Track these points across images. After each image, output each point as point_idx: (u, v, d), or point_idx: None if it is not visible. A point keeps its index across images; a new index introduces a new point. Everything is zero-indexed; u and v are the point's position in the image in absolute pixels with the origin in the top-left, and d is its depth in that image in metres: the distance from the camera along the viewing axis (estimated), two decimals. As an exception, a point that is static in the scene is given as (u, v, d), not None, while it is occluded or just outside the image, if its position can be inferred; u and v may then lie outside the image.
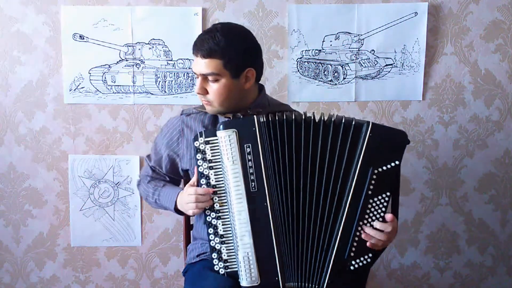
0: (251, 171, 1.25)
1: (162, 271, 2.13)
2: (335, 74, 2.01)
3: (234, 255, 1.28)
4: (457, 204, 2.11)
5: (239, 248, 1.26)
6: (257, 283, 1.26)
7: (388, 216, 1.27)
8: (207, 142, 1.28)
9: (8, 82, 2.01)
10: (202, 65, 1.31)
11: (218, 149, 1.27)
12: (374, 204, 1.26)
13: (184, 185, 1.46)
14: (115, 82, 2.01)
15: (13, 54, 1.99)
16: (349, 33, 1.99)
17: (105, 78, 2.00)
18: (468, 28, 2.01)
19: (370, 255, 1.27)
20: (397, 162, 1.25)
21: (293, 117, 1.28)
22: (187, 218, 1.72)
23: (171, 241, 2.11)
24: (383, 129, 1.27)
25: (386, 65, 2.01)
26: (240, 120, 1.33)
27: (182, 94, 2.01)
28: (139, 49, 1.99)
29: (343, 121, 1.26)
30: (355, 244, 1.26)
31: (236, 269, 1.28)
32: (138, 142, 2.04)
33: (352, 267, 1.27)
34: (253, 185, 1.26)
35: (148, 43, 1.99)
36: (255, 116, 1.27)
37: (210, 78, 1.32)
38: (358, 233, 1.26)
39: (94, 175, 2.06)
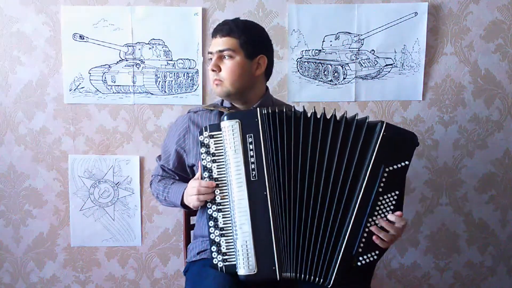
0: (252, 160, 1.28)
1: (162, 271, 2.13)
2: (335, 74, 2.02)
3: (233, 248, 1.29)
4: (457, 204, 2.11)
5: (238, 236, 1.28)
6: (254, 271, 1.27)
7: (398, 212, 1.29)
8: (211, 136, 1.31)
9: (8, 82, 2.01)
10: (220, 43, 1.42)
11: (222, 143, 1.30)
12: (383, 202, 1.28)
13: None
14: (115, 82, 2.01)
15: (13, 54, 1.99)
16: (349, 33, 1.99)
17: (105, 78, 2.00)
18: (468, 28, 2.01)
19: (377, 252, 1.29)
20: (406, 162, 1.29)
21: (299, 112, 1.31)
22: (187, 217, 1.73)
23: (171, 241, 2.11)
24: (396, 129, 1.30)
25: (386, 65, 2.01)
26: (244, 111, 1.40)
27: (182, 94, 2.01)
28: (139, 49, 1.99)
29: (356, 118, 1.30)
30: (363, 240, 1.28)
31: (234, 262, 1.29)
32: (138, 142, 2.04)
33: (359, 263, 1.28)
34: (253, 174, 1.28)
35: (148, 43, 1.99)
36: (258, 108, 1.31)
37: (225, 54, 1.41)
38: (367, 229, 1.28)
39: (94, 175, 2.06)
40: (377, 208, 1.28)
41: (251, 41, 1.42)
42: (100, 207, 2.08)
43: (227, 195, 1.30)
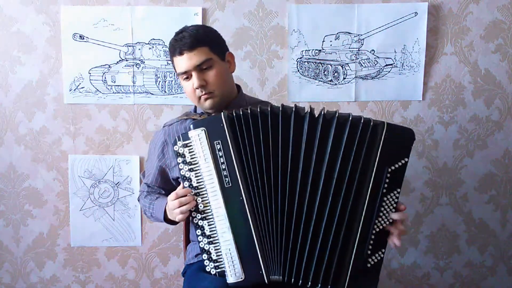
0: (223, 167, 1.26)
1: (162, 271, 2.13)
2: (335, 74, 2.01)
3: (222, 255, 1.28)
4: (457, 204, 2.11)
5: (221, 245, 1.26)
6: (241, 278, 1.26)
7: (402, 207, 1.30)
8: (185, 145, 1.28)
9: (8, 82, 2.01)
10: (193, 57, 1.35)
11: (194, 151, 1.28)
12: (387, 201, 1.28)
13: None
14: (115, 82, 2.01)
15: (13, 54, 1.99)
16: (349, 33, 1.99)
17: (105, 78, 2.00)
18: (468, 28, 2.01)
19: (383, 250, 1.30)
20: (406, 160, 1.28)
21: (274, 109, 1.27)
22: (187, 218, 1.72)
23: (171, 241, 2.11)
24: (394, 128, 1.29)
25: (386, 65, 2.01)
26: (209, 118, 1.34)
27: (182, 94, 2.01)
28: (139, 49, 1.99)
29: (351, 118, 1.27)
30: (371, 241, 1.28)
31: (224, 268, 1.28)
32: (138, 142, 2.04)
33: (368, 265, 1.28)
34: (227, 181, 1.26)
35: (148, 43, 1.99)
36: (223, 112, 1.27)
37: (204, 66, 1.36)
38: (374, 231, 1.28)
39: (94, 175, 2.06)
40: (382, 208, 1.28)
41: (216, 42, 1.40)
42: (100, 207, 2.08)
43: (209, 202, 1.28)
